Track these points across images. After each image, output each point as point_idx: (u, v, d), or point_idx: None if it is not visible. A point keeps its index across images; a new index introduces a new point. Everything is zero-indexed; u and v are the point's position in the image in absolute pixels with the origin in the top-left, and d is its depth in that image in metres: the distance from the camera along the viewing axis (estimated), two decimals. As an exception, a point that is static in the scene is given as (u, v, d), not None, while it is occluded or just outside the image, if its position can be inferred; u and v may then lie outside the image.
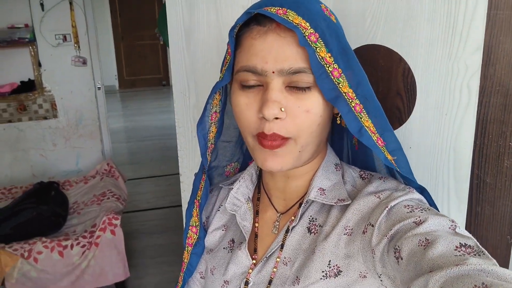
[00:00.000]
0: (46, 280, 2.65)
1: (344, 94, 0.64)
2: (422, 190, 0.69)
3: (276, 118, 0.64)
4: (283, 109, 0.63)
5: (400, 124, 0.85)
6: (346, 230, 0.67)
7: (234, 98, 0.68)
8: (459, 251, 0.51)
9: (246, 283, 0.74)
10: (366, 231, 0.64)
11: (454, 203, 0.85)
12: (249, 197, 0.81)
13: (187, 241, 0.86)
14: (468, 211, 0.84)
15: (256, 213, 0.80)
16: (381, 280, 0.62)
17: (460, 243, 0.52)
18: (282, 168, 0.67)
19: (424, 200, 0.68)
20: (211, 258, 0.82)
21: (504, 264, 0.83)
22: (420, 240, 0.55)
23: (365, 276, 0.65)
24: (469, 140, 0.79)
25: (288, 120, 0.64)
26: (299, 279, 0.68)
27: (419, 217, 0.59)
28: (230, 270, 0.77)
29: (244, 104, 0.66)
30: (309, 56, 0.62)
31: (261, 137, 0.66)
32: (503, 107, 0.75)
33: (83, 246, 2.68)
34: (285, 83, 0.63)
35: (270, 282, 0.72)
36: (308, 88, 0.63)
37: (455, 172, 0.83)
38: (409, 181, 0.69)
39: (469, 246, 0.52)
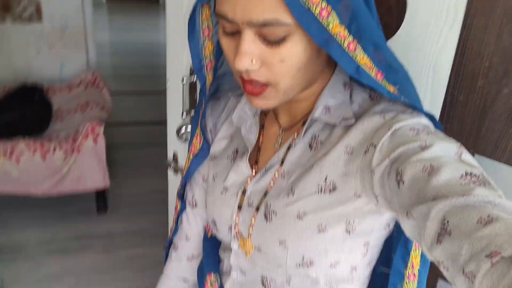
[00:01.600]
0: (28, 182, 2.71)
1: (335, 36, 0.59)
2: (431, 117, 0.67)
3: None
4: (254, 61, 0.61)
5: (386, 40, 0.88)
6: (347, 148, 0.67)
7: (219, 36, 0.67)
8: (465, 180, 0.50)
9: (244, 192, 0.77)
10: (367, 152, 0.64)
11: (426, 119, 0.91)
12: (256, 111, 0.81)
13: (190, 149, 0.89)
14: (438, 127, 0.90)
15: (262, 127, 0.81)
16: (377, 201, 0.63)
17: (466, 171, 0.51)
18: (268, 107, 0.68)
19: (432, 126, 0.66)
20: (215, 165, 0.85)
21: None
22: (424, 166, 0.53)
23: (359, 196, 0.66)
24: (449, 59, 0.83)
25: (263, 69, 0.63)
26: (293, 191, 0.70)
27: (425, 141, 0.57)
28: (230, 177, 0.79)
29: (226, 47, 0.66)
30: (288, 4, 0.56)
31: (241, 78, 0.66)
32: (484, 28, 0.78)
33: (65, 151, 2.72)
34: (257, 33, 0.60)
35: (265, 194, 0.74)
36: (282, 39, 0.59)
37: (432, 89, 0.87)
38: (418, 109, 0.66)
39: (475, 175, 0.50)
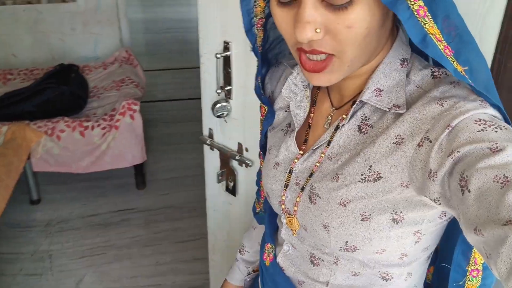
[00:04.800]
0: (68, 158, 2.79)
1: None
2: (499, 109, 0.57)
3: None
4: (318, 30, 0.56)
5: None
6: (396, 138, 0.62)
7: (271, 8, 0.61)
8: None
9: (290, 171, 0.75)
10: (421, 145, 0.58)
11: (472, 88, 0.86)
12: (308, 84, 0.77)
13: (261, 111, 0.89)
14: (484, 96, 0.85)
15: (314, 102, 0.77)
16: (438, 203, 0.57)
17: None
18: (331, 83, 0.63)
19: (499, 117, 0.57)
20: (272, 136, 0.83)
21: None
22: (496, 175, 0.47)
23: (407, 187, 0.62)
24: (496, 25, 0.78)
25: (327, 38, 0.57)
26: (338, 176, 0.67)
27: (496, 142, 0.50)
28: (281, 153, 0.78)
29: (280, 18, 0.60)
30: None
31: (301, 51, 0.60)
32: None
33: (104, 128, 2.78)
34: None
35: (311, 175, 0.72)
36: (349, 2, 0.53)
37: (477, 56, 0.83)
38: (485, 98, 0.57)
39: None
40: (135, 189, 3.12)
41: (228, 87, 1.37)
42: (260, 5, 0.74)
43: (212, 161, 1.58)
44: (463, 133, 0.53)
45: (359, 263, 0.72)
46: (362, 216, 0.66)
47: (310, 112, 0.76)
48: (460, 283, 0.74)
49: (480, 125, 0.53)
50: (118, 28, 3.95)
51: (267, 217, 0.91)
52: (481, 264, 0.71)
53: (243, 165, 1.45)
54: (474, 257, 0.71)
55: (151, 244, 2.69)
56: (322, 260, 0.76)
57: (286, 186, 0.76)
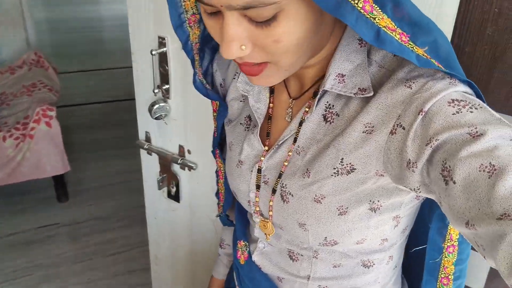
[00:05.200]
0: (-21, 174, 2.52)
1: None
2: (469, 84, 0.55)
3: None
4: (244, 47, 0.52)
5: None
6: (366, 127, 0.58)
7: (201, 14, 0.57)
8: None
9: (259, 171, 0.71)
10: (395, 133, 0.55)
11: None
12: None
13: (212, 106, 0.84)
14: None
15: (272, 91, 0.71)
16: (418, 191, 0.55)
17: None
18: (272, 84, 0.60)
19: (470, 91, 0.54)
20: (231, 131, 0.78)
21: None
22: (482, 164, 0.45)
23: (382, 175, 0.59)
24: (454, 7, 0.78)
25: (257, 50, 0.53)
26: (309, 172, 0.64)
27: (475, 127, 0.47)
28: (244, 151, 0.73)
29: (210, 27, 0.56)
30: None
31: (235, 60, 0.56)
32: (494, -30, 0.73)
33: (17, 138, 2.53)
34: (241, 14, 0.50)
35: (280, 175, 0.68)
36: (272, 18, 0.49)
37: (434, 42, 0.82)
38: (452, 75, 0.54)
39: None
40: (57, 202, 2.89)
41: (166, 86, 1.28)
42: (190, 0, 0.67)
43: (150, 167, 1.48)
44: (438, 117, 0.50)
45: (339, 255, 0.71)
46: (339, 210, 0.63)
47: (269, 102, 0.71)
48: (437, 260, 0.74)
49: (454, 106, 0.50)
50: (23, 29, 3.63)
51: (237, 213, 0.87)
52: (456, 240, 0.72)
53: (186, 168, 1.37)
54: (449, 233, 0.72)
55: (81, 260, 2.50)
56: (301, 255, 0.73)
57: (258, 187, 0.71)
